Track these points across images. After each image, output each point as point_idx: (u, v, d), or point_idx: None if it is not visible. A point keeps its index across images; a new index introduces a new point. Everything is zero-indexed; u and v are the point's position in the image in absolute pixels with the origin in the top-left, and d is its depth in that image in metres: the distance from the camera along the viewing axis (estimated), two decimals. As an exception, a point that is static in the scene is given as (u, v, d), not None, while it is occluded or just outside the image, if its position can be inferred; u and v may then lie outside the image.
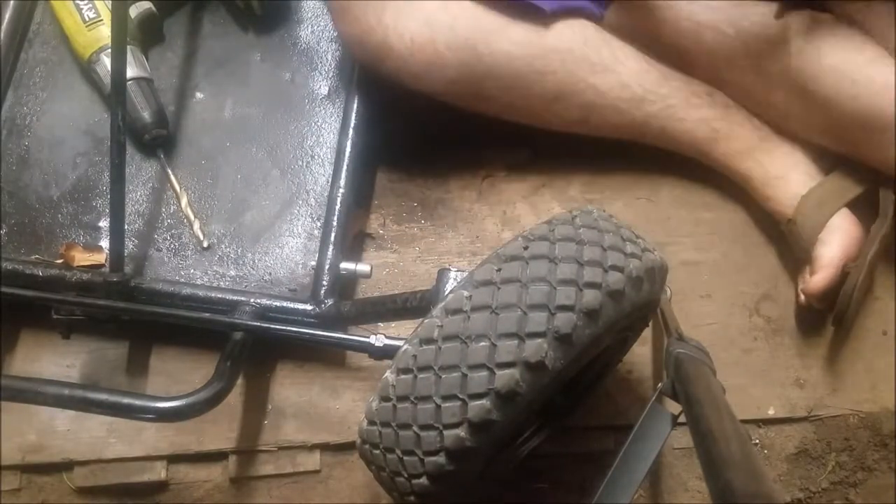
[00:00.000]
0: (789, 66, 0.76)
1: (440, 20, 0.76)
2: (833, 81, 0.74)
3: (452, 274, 0.65)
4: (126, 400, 0.66)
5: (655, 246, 0.61)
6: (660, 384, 0.58)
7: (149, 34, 0.86)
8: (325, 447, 0.79)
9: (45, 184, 0.81)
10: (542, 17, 0.77)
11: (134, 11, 0.83)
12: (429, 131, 0.88)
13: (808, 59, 0.75)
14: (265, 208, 0.82)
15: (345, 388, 0.81)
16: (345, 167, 0.80)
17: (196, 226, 0.80)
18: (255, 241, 0.81)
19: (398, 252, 0.87)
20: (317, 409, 0.80)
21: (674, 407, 0.56)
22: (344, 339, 0.67)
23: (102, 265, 0.77)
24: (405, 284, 0.85)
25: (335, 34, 0.88)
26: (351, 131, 0.81)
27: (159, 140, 0.81)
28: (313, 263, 0.79)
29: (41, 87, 0.84)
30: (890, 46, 0.74)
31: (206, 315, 0.70)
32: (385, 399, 0.54)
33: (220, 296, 0.76)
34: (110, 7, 0.81)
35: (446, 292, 0.60)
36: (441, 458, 0.52)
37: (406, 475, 0.55)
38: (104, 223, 0.79)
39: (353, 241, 0.85)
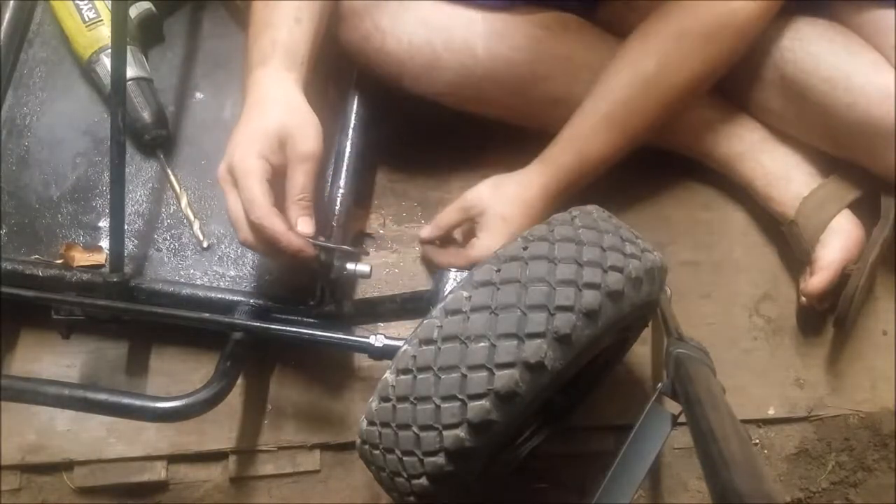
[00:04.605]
0: (784, 73, 0.76)
1: (437, 21, 0.76)
2: (828, 89, 0.73)
3: (452, 274, 0.65)
4: (126, 400, 0.66)
5: (655, 246, 0.61)
6: (660, 384, 0.59)
7: (149, 34, 0.86)
8: (325, 447, 0.79)
9: (45, 184, 0.81)
10: (541, 22, 0.76)
11: (134, 11, 0.83)
12: (429, 131, 0.88)
13: (802, 67, 0.75)
14: (265, 208, 0.82)
15: (345, 388, 0.81)
16: (345, 167, 0.80)
17: (196, 226, 0.80)
18: (255, 241, 0.80)
19: (398, 252, 0.87)
20: (317, 409, 0.80)
21: (674, 407, 0.57)
22: (344, 339, 0.67)
23: (102, 265, 0.77)
24: (405, 284, 0.85)
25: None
26: (351, 131, 0.81)
27: (159, 140, 0.81)
28: (313, 263, 0.79)
29: (41, 87, 0.84)
30: (888, 52, 0.73)
31: (206, 315, 0.69)
32: (384, 399, 0.54)
33: (219, 296, 0.75)
34: (110, 7, 0.81)
35: (446, 293, 0.60)
36: (440, 459, 0.52)
37: (406, 475, 0.55)
38: (104, 223, 0.79)
39: (353, 241, 0.85)
